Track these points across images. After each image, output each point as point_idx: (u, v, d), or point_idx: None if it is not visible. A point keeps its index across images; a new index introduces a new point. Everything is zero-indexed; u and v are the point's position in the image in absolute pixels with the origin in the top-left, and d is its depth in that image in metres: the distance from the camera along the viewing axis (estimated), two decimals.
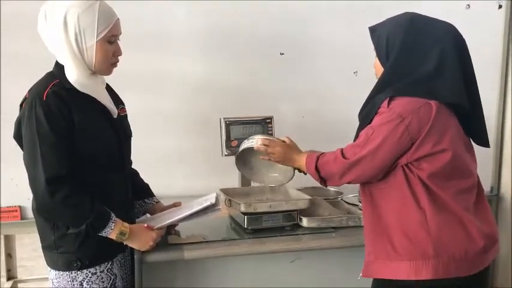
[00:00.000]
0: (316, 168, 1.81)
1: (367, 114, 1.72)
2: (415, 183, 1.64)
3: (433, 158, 1.62)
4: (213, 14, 2.70)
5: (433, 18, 1.72)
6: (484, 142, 1.80)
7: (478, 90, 1.72)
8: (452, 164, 1.63)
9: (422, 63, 1.64)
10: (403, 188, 1.66)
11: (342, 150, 1.75)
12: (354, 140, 1.76)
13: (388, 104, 1.64)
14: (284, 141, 2.02)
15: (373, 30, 1.76)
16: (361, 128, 1.74)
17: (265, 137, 2.04)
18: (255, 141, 2.03)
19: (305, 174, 1.97)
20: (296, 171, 2.05)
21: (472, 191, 1.70)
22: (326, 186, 1.89)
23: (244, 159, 2.16)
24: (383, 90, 1.68)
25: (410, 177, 1.65)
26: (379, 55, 1.75)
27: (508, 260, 3.08)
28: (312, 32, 2.81)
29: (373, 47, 1.77)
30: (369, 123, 1.69)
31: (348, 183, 1.77)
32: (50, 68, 1.80)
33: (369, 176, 1.70)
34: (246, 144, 2.08)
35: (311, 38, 2.82)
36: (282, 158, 1.98)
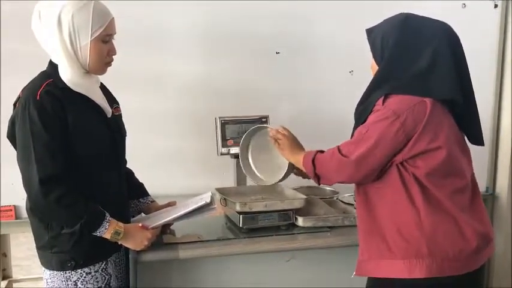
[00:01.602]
0: (313, 163, 1.80)
1: (362, 112, 1.72)
2: (410, 182, 1.64)
3: (429, 156, 1.62)
4: (210, 14, 2.70)
5: (427, 17, 1.73)
6: (479, 140, 1.80)
7: (472, 88, 1.73)
8: (448, 163, 1.64)
9: (416, 61, 1.65)
10: (397, 187, 1.66)
11: (338, 147, 1.74)
12: (351, 138, 1.76)
13: (383, 101, 1.65)
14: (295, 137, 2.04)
15: (369, 32, 1.78)
16: (356, 126, 1.74)
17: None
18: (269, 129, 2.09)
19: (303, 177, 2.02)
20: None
21: (466, 191, 1.70)
22: (319, 184, 1.88)
23: (247, 146, 2.21)
24: (378, 88, 1.69)
25: (405, 176, 1.65)
26: (374, 55, 1.76)
27: (503, 260, 3.09)
28: (308, 32, 2.81)
29: (369, 47, 1.77)
30: (364, 121, 1.69)
31: (342, 182, 1.77)
32: None
33: (364, 174, 1.69)
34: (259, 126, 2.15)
35: (307, 37, 2.82)
36: (285, 147, 1.98)
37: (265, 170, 2.21)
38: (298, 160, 1.90)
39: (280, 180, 2.12)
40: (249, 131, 2.21)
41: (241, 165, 2.25)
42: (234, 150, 2.42)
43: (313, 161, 1.80)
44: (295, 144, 1.99)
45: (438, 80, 1.64)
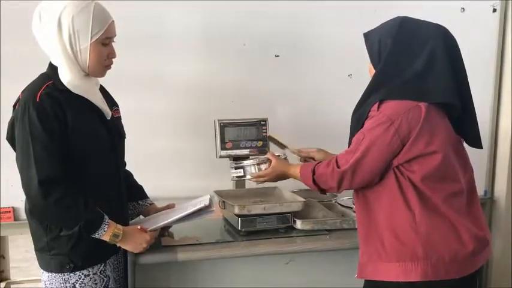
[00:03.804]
0: (314, 182, 1.81)
1: (358, 118, 1.73)
2: (406, 185, 1.65)
3: (424, 160, 1.63)
4: (209, 15, 2.70)
5: (423, 20, 1.74)
6: (477, 143, 1.80)
7: (469, 91, 1.73)
8: (443, 167, 1.64)
9: (412, 63, 1.66)
10: (393, 190, 1.67)
11: (336, 159, 1.75)
12: (349, 144, 1.76)
13: (378, 107, 1.66)
14: (270, 160, 2.02)
15: (366, 36, 1.79)
16: (354, 132, 1.74)
17: (253, 166, 2.05)
18: (249, 166, 2.06)
19: None
20: None
21: (461, 194, 1.70)
22: (326, 194, 1.91)
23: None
24: (374, 92, 1.70)
25: (401, 180, 1.66)
26: (372, 59, 1.77)
27: (502, 263, 3.09)
28: (307, 35, 2.82)
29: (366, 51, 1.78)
30: (361, 127, 1.70)
31: (348, 189, 1.78)
32: None
33: (366, 180, 1.70)
34: (237, 174, 2.11)
35: (306, 40, 2.82)
36: (275, 179, 2.01)
37: None
38: (296, 177, 1.93)
39: None
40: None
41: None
42: (233, 152, 2.43)
43: (314, 180, 1.81)
44: (279, 171, 1.99)
45: (434, 83, 1.65)
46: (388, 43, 1.69)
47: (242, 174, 2.05)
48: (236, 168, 2.09)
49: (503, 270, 3.09)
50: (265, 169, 2.03)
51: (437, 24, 1.73)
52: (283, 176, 1.99)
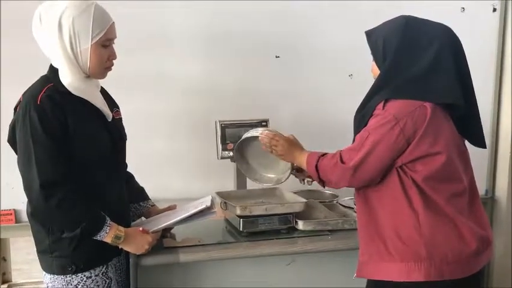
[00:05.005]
0: (316, 168, 1.80)
1: (363, 116, 1.72)
2: (409, 185, 1.65)
3: (428, 160, 1.63)
4: (209, 16, 2.70)
5: (428, 20, 1.73)
6: (481, 143, 1.80)
7: (473, 91, 1.73)
8: (446, 168, 1.64)
9: (418, 62, 1.65)
10: (396, 190, 1.66)
11: (340, 154, 1.74)
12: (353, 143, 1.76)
13: (384, 106, 1.65)
14: (288, 138, 2.01)
15: (369, 34, 1.77)
16: (357, 130, 1.74)
17: (270, 130, 2.03)
18: (260, 131, 2.03)
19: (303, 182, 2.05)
20: (291, 176, 2.09)
21: (464, 194, 1.70)
22: (324, 187, 1.90)
23: (243, 152, 2.17)
24: (379, 92, 1.69)
25: (404, 179, 1.66)
26: (376, 58, 1.76)
27: (503, 262, 3.09)
28: (308, 35, 2.82)
29: (369, 50, 1.78)
30: (365, 125, 1.69)
31: (349, 186, 1.77)
32: None
33: (368, 179, 1.69)
34: (249, 133, 2.07)
35: (307, 41, 2.83)
36: (284, 152, 1.94)
37: (270, 169, 2.21)
38: (301, 162, 1.90)
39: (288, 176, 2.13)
40: (238, 143, 2.14)
41: (244, 171, 2.24)
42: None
43: (316, 167, 1.80)
44: (292, 146, 1.95)
45: (440, 83, 1.64)
46: (394, 42, 1.68)
47: (258, 132, 2.00)
48: (250, 131, 2.04)
49: (505, 270, 3.09)
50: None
51: (442, 24, 1.73)
52: (291, 153, 1.93)
